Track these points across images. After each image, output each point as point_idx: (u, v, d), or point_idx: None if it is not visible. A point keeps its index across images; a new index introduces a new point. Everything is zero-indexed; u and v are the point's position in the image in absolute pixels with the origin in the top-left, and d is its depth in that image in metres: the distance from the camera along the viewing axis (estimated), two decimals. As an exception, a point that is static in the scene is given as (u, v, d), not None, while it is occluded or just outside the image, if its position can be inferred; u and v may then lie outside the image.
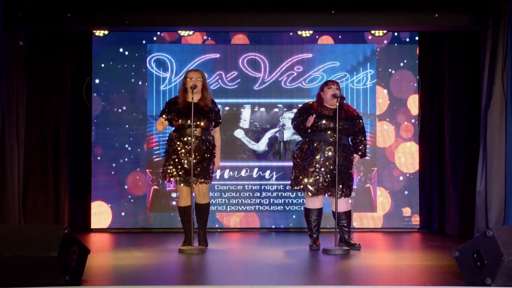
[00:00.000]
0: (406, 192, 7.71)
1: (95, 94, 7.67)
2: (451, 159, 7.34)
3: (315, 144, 5.82)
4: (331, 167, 5.75)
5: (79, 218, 7.67)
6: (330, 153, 5.77)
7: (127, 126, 7.70)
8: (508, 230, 4.23)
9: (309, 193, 5.83)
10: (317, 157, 5.79)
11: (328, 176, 5.77)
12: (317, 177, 5.78)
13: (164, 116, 5.94)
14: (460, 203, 7.21)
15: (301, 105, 6.14)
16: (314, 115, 5.80)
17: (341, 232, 5.96)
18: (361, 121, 6.00)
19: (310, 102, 6.06)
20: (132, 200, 7.67)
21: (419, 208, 7.73)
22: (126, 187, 7.67)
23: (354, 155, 5.98)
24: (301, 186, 5.85)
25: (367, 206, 7.65)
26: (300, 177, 5.85)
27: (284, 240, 6.97)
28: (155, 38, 7.72)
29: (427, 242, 6.83)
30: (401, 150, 7.74)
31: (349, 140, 5.99)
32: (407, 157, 7.73)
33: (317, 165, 5.79)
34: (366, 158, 7.57)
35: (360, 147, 6.00)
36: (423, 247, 6.48)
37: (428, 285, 4.30)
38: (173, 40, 7.73)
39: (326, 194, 5.86)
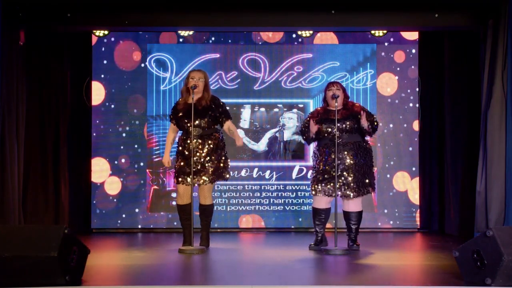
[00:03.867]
0: (406, 192, 7.71)
1: (95, 94, 7.67)
2: (451, 159, 7.34)
3: (322, 148, 5.89)
4: (339, 168, 5.76)
5: (79, 218, 7.67)
6: (336, 154, 5.77)
7: (127, 126, 7.70)
8: (508, 230, 4.23)
9: (313, 192, 5.89)
10: (324, 159, 5.82)
11: (333, 177, 5.77)
12: (325, 177, 5.80)
13: (173, 123, 6.06)
14: (460, 203, 7.21)
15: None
16: (314, 121, 5.86)
17: (348, 232, 5.97)
18: (363, 111, 5.90)
19: (316, 109, 6.14)
20: (132, 200, 7.67)
21: (419, 208, 7.73)
22: (126, 187, 7.67)
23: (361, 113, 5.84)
24: (312, 187, 5.91)
25: (367, 206, 7.63)
26: (313, 179, 5.92)
27: (284, 240, 6.97)
28: (146, 36, 7.74)
29: (427, 242, 6.83)
30: (401, 150, 7.74)
31: (361, 137, 5.95)
32: (407, 157, 7.73)
33: (324, 167, 5.80)
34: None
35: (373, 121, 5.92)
36: (423, 247, 6.48)
37: (428, 285, 4.30)
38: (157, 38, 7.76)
39: (336, 195, 5.83)
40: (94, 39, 7.66)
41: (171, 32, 7.66)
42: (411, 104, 7.75)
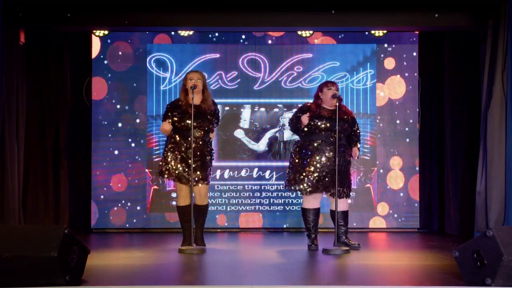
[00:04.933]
0: (406, 192, 7.71)
1: (95, 94, 7.68)
2: (451, 159, 7.34)
3: (316, 144, 5.82)
4: (332, 167, 5.75)
5: (79, 218, 7.67)
6: (331, 153, 5.76)
7: (127, 126, 7.70)
8: (508, 230, 4.23)
9: (308, 192, 5.82)
10: (318, 157, 5.79)
11: (329, 175, 5.76)
12: (317, 176, 5.77)
13: (169, 120, 5.91)
14: (460, 203, 7.20)
15: (301, 105, 6.12)
16: (308, 114, 5.83)
17: (339, 232, 5.95)
18: (356, 124, 6.04)
19: (308, 104, 6.05)
20: (132, 200, 7.67)
21: (419, 208, 7.73)
22: (126, 187, 7.67)
23: (353, 149, 5.98)
24: (300, 186, 5.82)
25: (367, 206, 7.65)
26: (298, 177, 5.83)
27: (284, 240, 6.97)
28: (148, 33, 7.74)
29: (427, 242, 6.83)
30: (401, 150, 7.74)
31: (346, 140, 5.97)
32: (407, 157, 7.73)
33: (317, 165, 5.78)
34: (366, 157, 7.60)
35: (355, 139, 6.02)
36: (423, 247, 6.48)
37: (428, 285, 4.30)
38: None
39: (326, 194, 5.85)
40: (94, 39, 7.66)
41: (167, 32, 7.67)
42: (411, 104, 7.75)
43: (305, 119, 5.86)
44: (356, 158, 6.06)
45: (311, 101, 6.07)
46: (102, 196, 7.65)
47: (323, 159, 5.78)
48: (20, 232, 4.38)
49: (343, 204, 5.89)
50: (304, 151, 5.86)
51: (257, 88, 7.77)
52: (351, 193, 6.04)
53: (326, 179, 5.77)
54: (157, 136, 7.68)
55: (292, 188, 5.89)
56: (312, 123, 5.84)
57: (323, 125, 5.82)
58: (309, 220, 5.95)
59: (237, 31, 7.66)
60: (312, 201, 5.91)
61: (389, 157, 7.73)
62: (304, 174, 5.81)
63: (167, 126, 5.92)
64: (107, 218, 7.64)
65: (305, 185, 5.80)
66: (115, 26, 7.03)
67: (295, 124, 5.98)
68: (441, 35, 7.55)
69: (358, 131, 6.04)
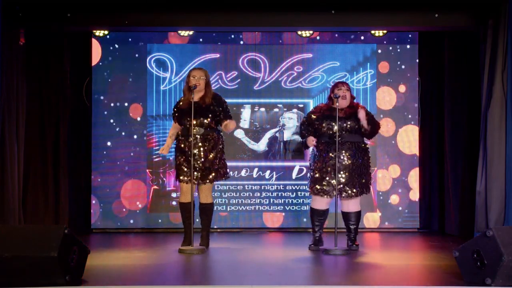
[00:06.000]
0: (406, 192, 7.70)
1: (95, 94, 7.68)
2: (451, 159, 7.34)
3: (321, 147, 5.87)
4: (338, 166, 5.76)
5: (79, 218, 7.67)
6: (336, 153, 5.76)
7: (127, 126, 7.70)
8: (508, 230, 4.23)
9: (315, 192, 5.86)
10: (324, 158, 5.81)
11: (334, 175, 5.76)
12: (325, 177, 5.79)
13: (175, 120, 6.04)
14: (460, 203, 7.20)
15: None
16: (315, 140, 5.87)
17: (347, 232, 5.97)
18: (363, 109, 5.95)
19: (320, 105, 6.13)
20: (132, 200, 7.67)
21: (419, 208, 7.73)
22: (126, 187, 7.67)
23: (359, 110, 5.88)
24: (311, 185, 5.88)
25: (367, 206, 7.64)
26: (312, 179, 5.90)
27: (284, 240, 6.97)
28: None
29: (427, 242, 6.83)
30: (401, 150, 7.73)
31: (360, 137, 5.95)
32: (407, 157, 7.73)
33: (323, 166, 5.80)
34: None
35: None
36: (423, 247, 6.48)
37: (428, 285, 4.30)
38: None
39: (336, 195, 5.83)
40: (94, 42, 7.66)
41: (166, 33, 7.68)
42: (411, 104, 7.75)
43: (310, 142, 5.89)
44: (364, 117, 5.84)
45: (311, 101, 6.09)
46: (102, 196, 7.64)
47: (330, 159, 5.79)
48: (20, 232, 4.38)
49: (354, 205, 5.91)
50: (314, 154, 5.95)
51: (257, 88, 7.77)
52: (366, 192, 6.01)
53: (333, 181, 5.77)
54: (157, 136, 7.68)
55: (310, 191, 5.97)
56: (316, 126, 5.88)
57: (322, 127, 5.84)
58: (313, 219, 5.96)
59: (237, 31, 7.66)
60: (319, 202, 5.91)
61: (389, 157, 7.73)
62: (311, 175, 5.90)
63: (173, 125, 6.10)
64: (107, 218, 7.64)
65: (315, 186, 5.86)
66: (115, 26, 7.03)
67: (302, 140, 6.12)
68: (441, 35, 7.55)
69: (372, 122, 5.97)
